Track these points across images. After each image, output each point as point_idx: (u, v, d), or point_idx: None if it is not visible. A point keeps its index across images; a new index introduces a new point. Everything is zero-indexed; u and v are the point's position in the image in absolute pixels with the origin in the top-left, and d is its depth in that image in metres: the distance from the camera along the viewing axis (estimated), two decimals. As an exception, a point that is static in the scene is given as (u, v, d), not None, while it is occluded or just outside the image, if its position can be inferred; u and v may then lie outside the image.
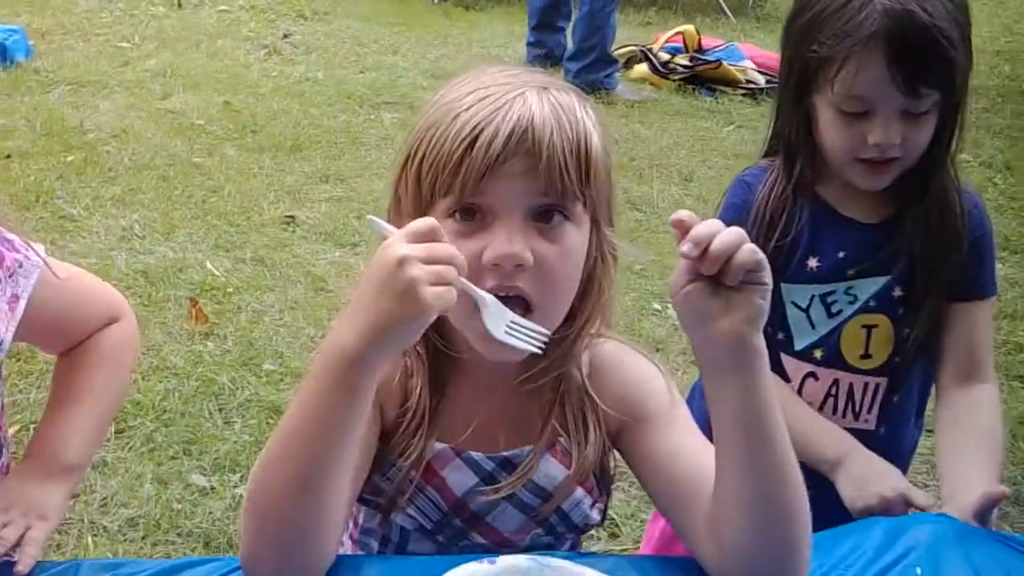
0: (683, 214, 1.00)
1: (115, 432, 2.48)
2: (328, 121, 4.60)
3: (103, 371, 1.35)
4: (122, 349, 1.38)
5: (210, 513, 2.26)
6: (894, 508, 1.39)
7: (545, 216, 1.09)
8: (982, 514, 1.31)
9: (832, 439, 1.50)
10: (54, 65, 4.99)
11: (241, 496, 2.24)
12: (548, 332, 1.09)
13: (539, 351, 1.08)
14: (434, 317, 0.97)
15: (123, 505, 2.28)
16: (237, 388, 2.69)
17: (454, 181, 1.07)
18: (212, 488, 2.34)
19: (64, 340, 1.36)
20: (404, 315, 0.95)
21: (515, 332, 1.07)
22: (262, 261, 3.37)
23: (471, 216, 1.09)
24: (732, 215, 1.51)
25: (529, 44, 5.54)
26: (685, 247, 0.98)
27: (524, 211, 1.08)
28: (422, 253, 0.95)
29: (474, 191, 1.07)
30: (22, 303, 1.23)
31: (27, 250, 1.25)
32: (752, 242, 0.99)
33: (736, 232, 0.99)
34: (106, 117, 4.44)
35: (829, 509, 1.31)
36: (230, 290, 3.18)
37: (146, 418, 2.53)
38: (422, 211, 1.10)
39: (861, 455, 1.47)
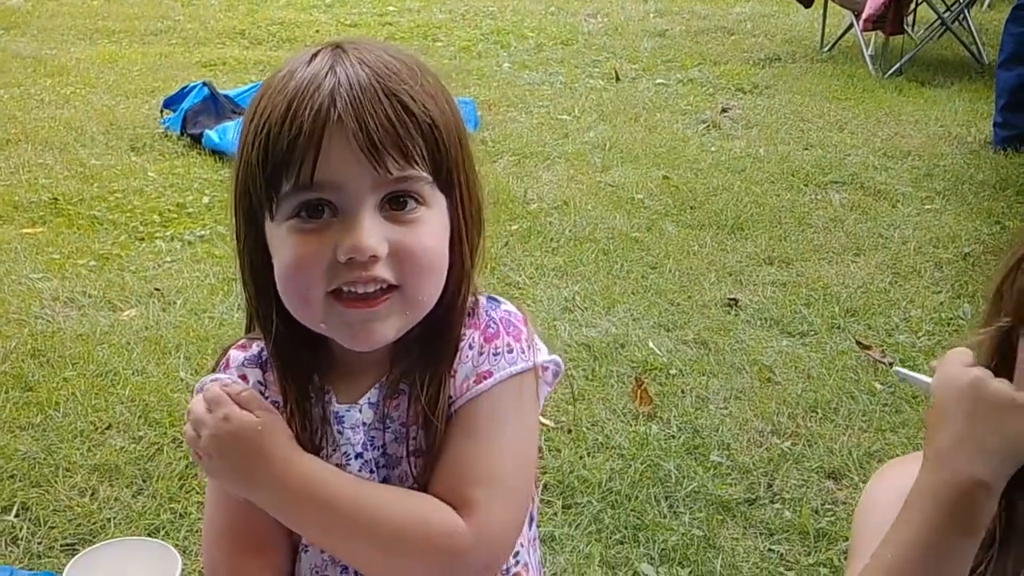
0: None
1: (563, 507, 2.58)
2: (771, 199, 4.60)
3: (403, 507, 1.15)
4: (436, 532, 1.13)
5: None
6: None
7: None
8: None
9: None
10: (499, 136, 5.40)
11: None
12: None
13: None
14: None
15: (570, 585, 2.35)
16: (683, 477, 2.71)
17: None
18: (660, 580, 2.36)
19: (442, 469, 1.18)
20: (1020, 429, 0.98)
21: None
22: (705, 344, 3.40)
23: None
24: None
25: (996, 124, 5.27)
26: None
27: None
28: None
29: None
30: (489, 382, 1.19)
31: (528, 346, 1.23)
32: None
33: None
34: (548, 188, 4.73)
35: None
36: (673, 372, 3.23)
37: (592, 496, 2.62)
38: None
39: None
